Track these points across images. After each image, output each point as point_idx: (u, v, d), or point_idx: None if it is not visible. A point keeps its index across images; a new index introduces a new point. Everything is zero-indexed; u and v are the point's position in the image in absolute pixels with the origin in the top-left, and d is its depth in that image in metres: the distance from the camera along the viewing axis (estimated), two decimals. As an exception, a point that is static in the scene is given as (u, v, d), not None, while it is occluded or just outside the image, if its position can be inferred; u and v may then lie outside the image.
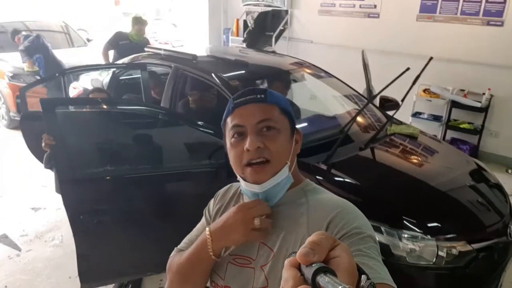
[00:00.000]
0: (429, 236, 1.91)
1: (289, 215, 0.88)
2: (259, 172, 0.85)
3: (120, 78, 3.56)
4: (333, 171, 2.29)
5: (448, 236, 1.95)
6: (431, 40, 4.62)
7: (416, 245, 1.90)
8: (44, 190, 3.69)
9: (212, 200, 1.06)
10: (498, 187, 2.42)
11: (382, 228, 1.91)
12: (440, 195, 2.22)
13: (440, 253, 1.88)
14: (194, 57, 2.89)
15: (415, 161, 2.59)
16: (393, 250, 1.87)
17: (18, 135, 2.53)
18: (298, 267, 0.44)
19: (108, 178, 2.09)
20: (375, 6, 5.09)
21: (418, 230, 1.93)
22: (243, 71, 3.08)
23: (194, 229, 1.06)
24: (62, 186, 1.93)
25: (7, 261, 2.79)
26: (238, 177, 0.91)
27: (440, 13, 4.53)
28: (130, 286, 2.53)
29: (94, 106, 2.29)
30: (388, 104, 3.24)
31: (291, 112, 0.93)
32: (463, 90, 4.50)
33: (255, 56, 3.70)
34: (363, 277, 0.44)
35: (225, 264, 0.93)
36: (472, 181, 2.40)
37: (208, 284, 0.99)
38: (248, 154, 0.85)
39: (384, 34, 5.03)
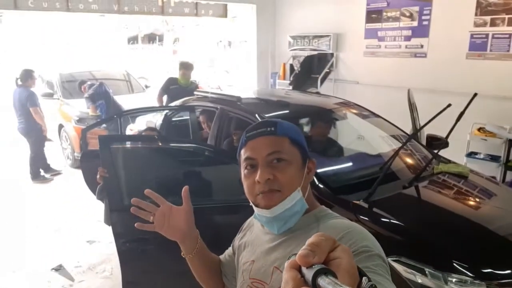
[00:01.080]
0: (479, 281, 1.79)
1: (301, 239, 0.88)
2: (270, 198, 0.90)
3: (172, 119, 3.81)
4: (374, 209, 2.24)
5: (503, 281, 1.81)
6: (482, 78, 4.47)
7: (465, 290, 1.78)
8: (99, 225, 3.92)
9: (241, 228, 1.16)
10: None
11: (427, 270, 1.81)
12: (494, 238, 2.08)
13: (492, 299, 1.74)
14: (239, 98, 3.05)
15: (466, 201, 2.46)
16: (439, 293, 1.77)
17: (79, 173, 2.77)
18: (299, 268, 0.44)
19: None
20: (422, 46, 5.07)
21: (469, 274, 1.82)
22: (285, 111, 3.18)
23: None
24: (112, 215, 2.08)
25: (61, 291, 2.96)
26: (251, 204, 0.96)
27: (490, 50, 4.41)
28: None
29: (145, 142, 2.47)
30: (436, 142, 3.15)
31: (302, 142, 0.96)
32: (521, 129, 4.25)
33: (298, 97, 3.80)
34: (364, 279, 0.44)
35: (245, 286, 0.98)
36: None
37: None
38: (259, 185, 0.90)
39: (432, 73, 4.96)
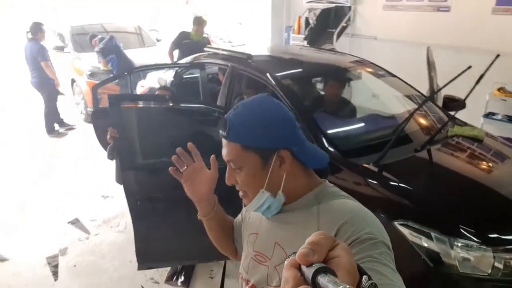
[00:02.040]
0: (485, 246, 1.79)
1: (300, 221, 0.89)
2: (244, 196, 0.96)
3: (183, 76, 3.76)
4: (384, 173, 2.22)
5: (509, 247, 1.81)
6: (509, 35, 4.23)
7: (470, 255, 1.79)
8: (113, 180, 4.02)
9: None
10: None
11: (432, 234, 1.82)
12: (505, 203, 2.06)
13: (497, 264, 1.75)
14: (250, 56, 2.96)
15: (479, 165, 2.42)
16: (444, 258, 1.78)
17: (92, 128, 2.81)
18: (298, 267, 0.44)
19: (163, 168, 2.24)
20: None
21: (475, 239, 1.82)
22: (298, 70, 3.09)
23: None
24: (123, 174, 2.12)
25: (78, 243, 3.10)
26: None
27: (520, 4, 4.13)
28: (183, 272, 2.68)
29: (155, 102, 2.46)
30: (453, 104, 3.05)
31: (257, 144, 0.89)
32: (544, 89, 4.07)
33: (312, 54, 3.68)
34: (364, 277, 0.44)
35: (249, 258, 0.99)
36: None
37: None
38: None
39: (455, 29, 4.70)
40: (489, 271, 1.76)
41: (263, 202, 0.90)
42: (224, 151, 0.92)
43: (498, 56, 2.13)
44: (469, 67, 2.12)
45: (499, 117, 4.40)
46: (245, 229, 1.08)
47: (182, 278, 2.64)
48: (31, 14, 9.18)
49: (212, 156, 1.08)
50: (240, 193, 0.96)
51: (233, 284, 2.43)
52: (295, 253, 0.45)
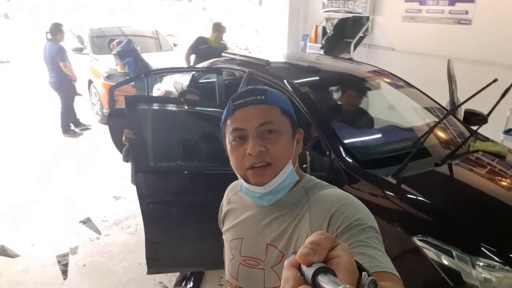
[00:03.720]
0: (509, 267, 1.72)
1: (292, 214, 0.88)
2: (262, 174, 0.86)
3: (199, 81, 3.76)
4: (403, 186, 2.16)
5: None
6: (532, 49, 4.14)
7: (492, 275, 1.72)
8: (125, 182, 4.03)
9: (222, 203, 1.12)
10: None
11: (454, 252, 1.75)
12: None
13: (520, 287, 1.68)
14: (267, 62, 2.94)
15: (501, 183, 2.34)
16: (465, 277, 1.71)
17: (107, 129, 2.82)
18: (298, 267, 0.44)
19: (177, 172, 2.23)
20: (467, 12, 4.70)
21: (497, 259, 1.75)
22: (315, 77, 3.06)
23: None
24: (137, 176, 2.11)
25: (88, 243, 3.10)
26: (240, 178, 0.92)
27: (545, 19, 4.04)
28: (192, 278, 2.64)
29: (171, 105, 2.45)
30: (474, 118, 2.98)
31: (292, 112, 0.91)
32: None
33: (329, 63, 3.64)
34: (364, 274, 0.44)
35: (237, 265, 0.96)
36: None
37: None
38: (250, 158, 0.85)
39: (476, 42, 4.62)
40: (512, 293, 1.68)
41: (288, 174, 0.87)
42: (258, 115, 0.85)
43: (525, 70, 2.06)
44: (495, 80, 2.06)
45: (520, 134, 4.29)
46: (225, 237, 1.05)
47: (191, 284, 2.61)
48: (54, 16, 9.38)
49: None
50: (260, 165, 0.86)
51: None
52: (295, 253, 0.45)
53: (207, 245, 2.33)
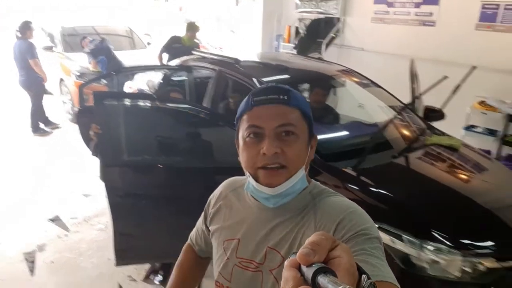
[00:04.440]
0: (455, 250, 1.84)
1: (296, 219, 0.87)
2: (274, 175, 0.83)
3: (171, 79, 3.79)
4: (362, 177, 2.27)
5: (478, 251, 1.86)
6: (490, 50, 4.36)
7: (440, 258, 1.84)
8: (95, 179, 4.01)
9: (213, 198, 1.06)
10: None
11: (404, 236, 1.87)
12: (480, 211, 2.12)
13: (466, 268, 1.80)
14: (237, 61, 3.01)
15: (455, 174, 2.48)
16: (414, 260, 1.83)
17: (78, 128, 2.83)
18: (298, 267, 0.44)
19: (147, 166, 2.28)
20: (431, 14, 4.91)
21: (446, 243, 1.87)
22: (284, 76, 3.15)
23: (196, 225, 1.15)
24: (105, 171, 2.14)
25: (56, 240, 3.09)
26: (248, 175, 0.88)
27: (501, 22, 4.27)
28: (161, 271, 2.68)
29: (141, 100, 2.48)
30: (433, 114, 3.13)
31: (311, 117, 0.88)
32: (523, 104, 4.20)
33: (299, 62, 3.74)
34: (363, 276, 0.44)
35: (231, 266, 0.93)
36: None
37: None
38: (264, 158, 0.82)
39: (439, 43, 4.84)
40: (458, 274, 1.81)
41: (298, 180, 0.85)
42: (278, 115, 0.82)
43: (474, 68, 2.21)
44: (445, 77, 2.20)
45: (480, 130, 4.51)
46: (216, 236, 1.00)
47: (160, 277, 2.64)
48: (26, 16, 9.21)
49: None
50: (273, 166, 0.82)
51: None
52: (295, 253, 0.45)
53: (176, 236, 2.39)
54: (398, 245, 1.86)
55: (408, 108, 2.94)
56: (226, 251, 0.94)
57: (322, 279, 0.40)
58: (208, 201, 1.07)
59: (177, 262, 1.18)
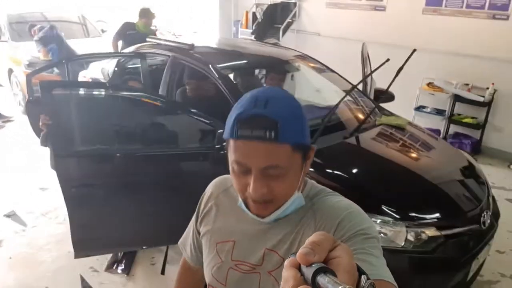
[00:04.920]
0: (400, 222, 1.99)
1: (294, 220, 0.86)
2: (263, 208, 0.82)
3: (126, 67, 3.72)
4: (315, 158, 2.36)
5: (420, 222, 2.02)
6: (436, 34, 4.60)
7: (387, 230, 1.98)
8: (51, 172, 3.90)
9: (203, 198, 1.02)
10: (479, 179, 2.46)
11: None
12: (427, 186, 2.27)
13: (409, 237, 1.95)
14: (191, 47, 3.00)
15: (404, 152, 2.64)
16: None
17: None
18: (298, 267, 0.44)
19: (98, 155, 2.26)
20: (382, -1, 5.09)
21: (394, 216, 2.01)
22: (239, 61, 3.18)
23: (188, 228, 1.09)
24: (57, 161, 2.11)
25: (14, 235, 3.00)
26: (240, 199, 0.86)
27: (445, 6, 4.50)
28: (124, 261, 2.69)
29: (89, 89, 2.44)
30: (383, 96, 3.28)
31: (305, 140, 0.79)
32: (467, 85, 4.48)
33: (255, 48, 3.78)
34: (363, 277, 0.44)
35: (226, 269, 0.91)
36: (457, 174, 2.45)
37: None
38: (251, 194, 0.79)
39: (390, 27, 5.03)
40: (402, 244, 1.96)
41: (289, 205, 0.83)
42: (264, 155, 0.75)
43: (414, 50, 2.35)
44: (387, 60, 2.33)
45: (428, 110, 4.78)
46: (207, 237, 0.97)
47: (123, 266, 2.65)
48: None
49: None
50: (257, 204, 0.81)
51: (174, 270, 2.47)
52: (295, 253, 0.45)
53: (136, 225, 2.41)
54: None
55: (359, 90, 3.07)
56: (219, 253, 0.92)
57: (322, 279, 0.40)
58: (199, 201, 1.03)
59: (176, 278, 1.18)
